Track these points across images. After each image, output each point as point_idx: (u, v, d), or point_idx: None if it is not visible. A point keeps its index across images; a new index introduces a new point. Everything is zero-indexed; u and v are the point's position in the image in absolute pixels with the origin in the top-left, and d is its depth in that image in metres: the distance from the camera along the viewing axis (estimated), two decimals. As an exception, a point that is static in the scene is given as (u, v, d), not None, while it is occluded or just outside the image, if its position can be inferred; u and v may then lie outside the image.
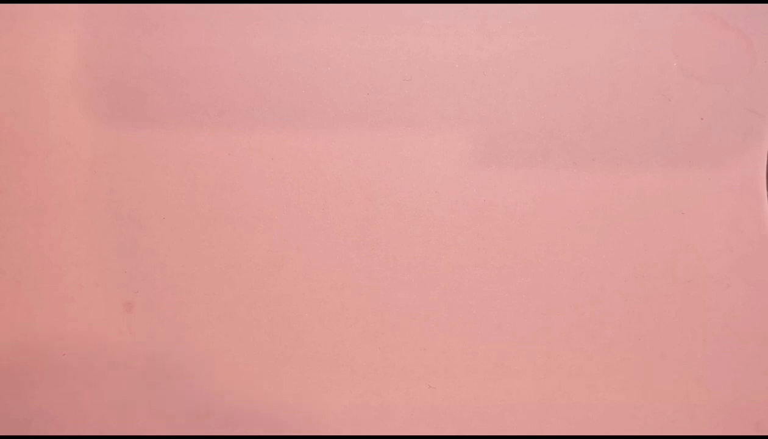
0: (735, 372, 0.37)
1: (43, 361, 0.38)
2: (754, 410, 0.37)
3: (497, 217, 0.37)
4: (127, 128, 0.37)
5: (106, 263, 0.38)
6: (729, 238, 0.37)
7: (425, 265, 0.37)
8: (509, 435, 0.38)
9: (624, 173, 0.36)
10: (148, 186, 0.37)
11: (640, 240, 0.37)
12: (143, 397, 0.38)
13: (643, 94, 0.36)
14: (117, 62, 0.37)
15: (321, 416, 0.38)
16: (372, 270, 0.37)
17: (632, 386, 0.37)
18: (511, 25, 0.36)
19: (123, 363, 0.38)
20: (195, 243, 0.37)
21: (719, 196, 0.36)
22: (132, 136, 0.37)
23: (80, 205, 0.37)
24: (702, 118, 0.36)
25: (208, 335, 0.38)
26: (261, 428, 0.38)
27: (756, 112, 0.36)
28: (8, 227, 0.38)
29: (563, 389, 0.38)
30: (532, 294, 0.37)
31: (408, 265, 0.37)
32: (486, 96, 0.36)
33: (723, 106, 0.36)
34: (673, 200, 0.36)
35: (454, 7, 0.36)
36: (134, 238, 0.37)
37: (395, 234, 0.37)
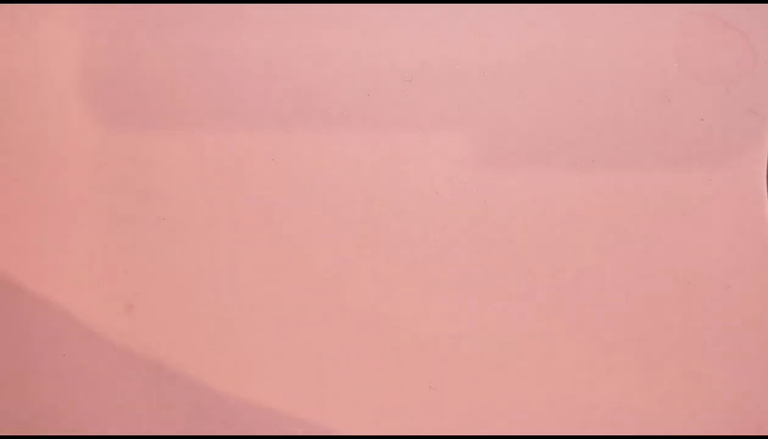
0: (735, 372, 0.37)
1: (43, 361, 0.38)
2: (756, 411, 0.37)
3: (497, 218, 0.37)
4: (127, 129, 0.37)
5: (106, 263, 0.38)
6: (729, 239, 0.37)
7: (425, 265, 0.37)
8: (509, 435, 0.38)
9: (624, 174, 0.36)
10: (148, 186, 0.37)
11: (641, 241, 0.37)
12: (143, 397, 0.38)
13: (643, 94, 0.36)
14: (117, 63, 0.37)
15: (321, 416, 0.38)
16: (372, 270, 0.37)
17: (632, 386, 0.38)
18: (512, 26, 0.36)
19: (123, 364, 0.38)
20: (195, 243, 0.37)
21: (719, 197, 0.36)
22: (132, 136, 0.37)
23: (80, 206, 0.37)
24: (702, 119, 0.36)
25: (208, 335, 0.38)
26: (261, 428, 0.38)
27: (756, 113, 0.36)
28: (8, 227, 0.38)
29: (563, 389, 0.38)
30: (532, 294, 0.37)
31: (408, 265, 0.37)
32: (486, 97, 0.36)
33: (723, 106, 0.36)
34: (674, 201, 0.36)
35: (454, 7, 0.36)
36: (134, 238, 0.37)
37: (395, 234, 0.37)
